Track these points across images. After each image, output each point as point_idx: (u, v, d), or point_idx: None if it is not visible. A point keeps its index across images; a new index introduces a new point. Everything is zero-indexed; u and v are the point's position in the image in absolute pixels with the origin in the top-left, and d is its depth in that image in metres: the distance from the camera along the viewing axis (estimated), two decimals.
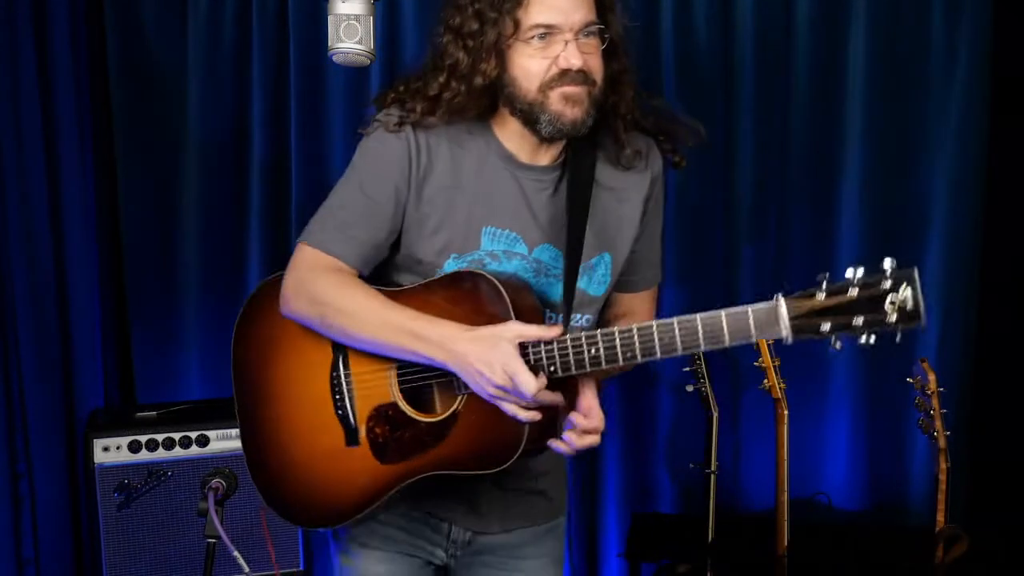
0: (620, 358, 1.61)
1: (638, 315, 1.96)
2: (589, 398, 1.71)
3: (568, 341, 1.64)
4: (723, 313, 1.53)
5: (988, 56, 3.10)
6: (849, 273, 1.47)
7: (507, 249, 1.81)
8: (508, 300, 1.69)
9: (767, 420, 2.69)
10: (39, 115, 3.03)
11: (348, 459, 1.83)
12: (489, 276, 1.72)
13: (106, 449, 2.79)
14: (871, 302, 1.45)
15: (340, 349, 1.84)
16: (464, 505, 1.90)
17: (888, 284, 1.44)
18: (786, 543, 2.63)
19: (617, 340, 1.61)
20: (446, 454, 1.76)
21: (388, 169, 1.79)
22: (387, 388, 1.81)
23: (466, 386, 1.71)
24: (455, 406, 1.76)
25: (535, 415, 1.65)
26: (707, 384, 2.77)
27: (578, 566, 3.38)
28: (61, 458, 3.14)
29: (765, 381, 2.64)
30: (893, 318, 1.44)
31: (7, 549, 3.03)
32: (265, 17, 3.21)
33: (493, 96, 1.79)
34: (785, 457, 2.63)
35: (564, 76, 1.71)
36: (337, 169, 3.22)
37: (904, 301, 1.43)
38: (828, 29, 3.13)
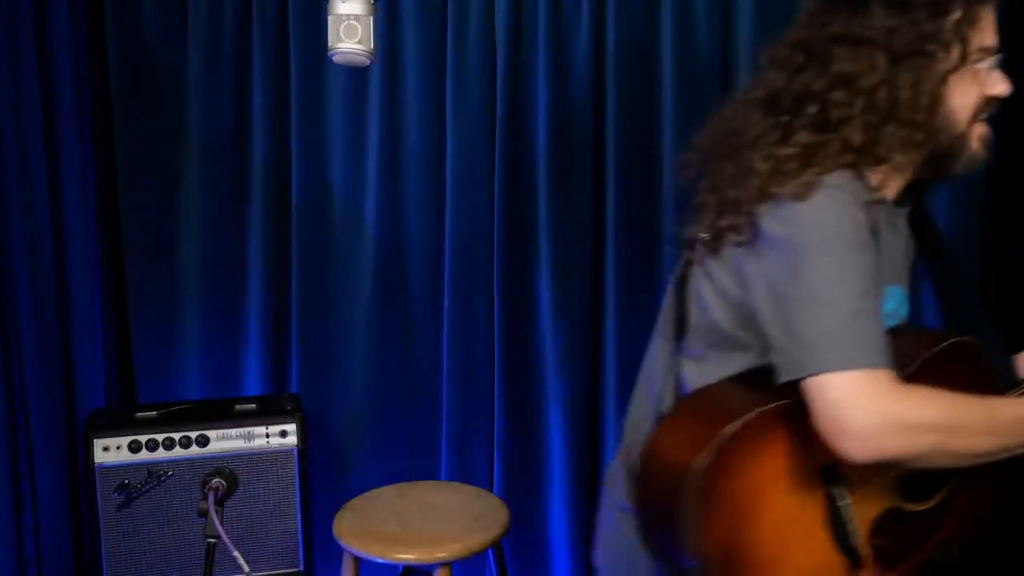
0: None
1: None
2: None
3: None
4: None
5: None
6: None
7: (896, 307, 1.55)
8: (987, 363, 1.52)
9: None
10: (40, 116, 3.02)
11: None
12: (967, 340, 1.50)
13: (106, 449, 2.79)
14: None
15: (830, 476, 1.51)
16: None
17: None
18: None
19: None
20: (946, 533, 1.62)
21: (867, 249, 1.41)
22: (881, 494, 1.58)
23: None
24: (950, 482, 1.60)
25: None
26: None
27: (579, 566, 3.38)
28: (61, 458, 3.14)
29: None
30: None
31: (10, 549, 3.02)
32: (265, 17, 3.21)
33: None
34: None
35: (988, 106, 1.50)
36: (337, 169, 3.22)
37: None
38: None
